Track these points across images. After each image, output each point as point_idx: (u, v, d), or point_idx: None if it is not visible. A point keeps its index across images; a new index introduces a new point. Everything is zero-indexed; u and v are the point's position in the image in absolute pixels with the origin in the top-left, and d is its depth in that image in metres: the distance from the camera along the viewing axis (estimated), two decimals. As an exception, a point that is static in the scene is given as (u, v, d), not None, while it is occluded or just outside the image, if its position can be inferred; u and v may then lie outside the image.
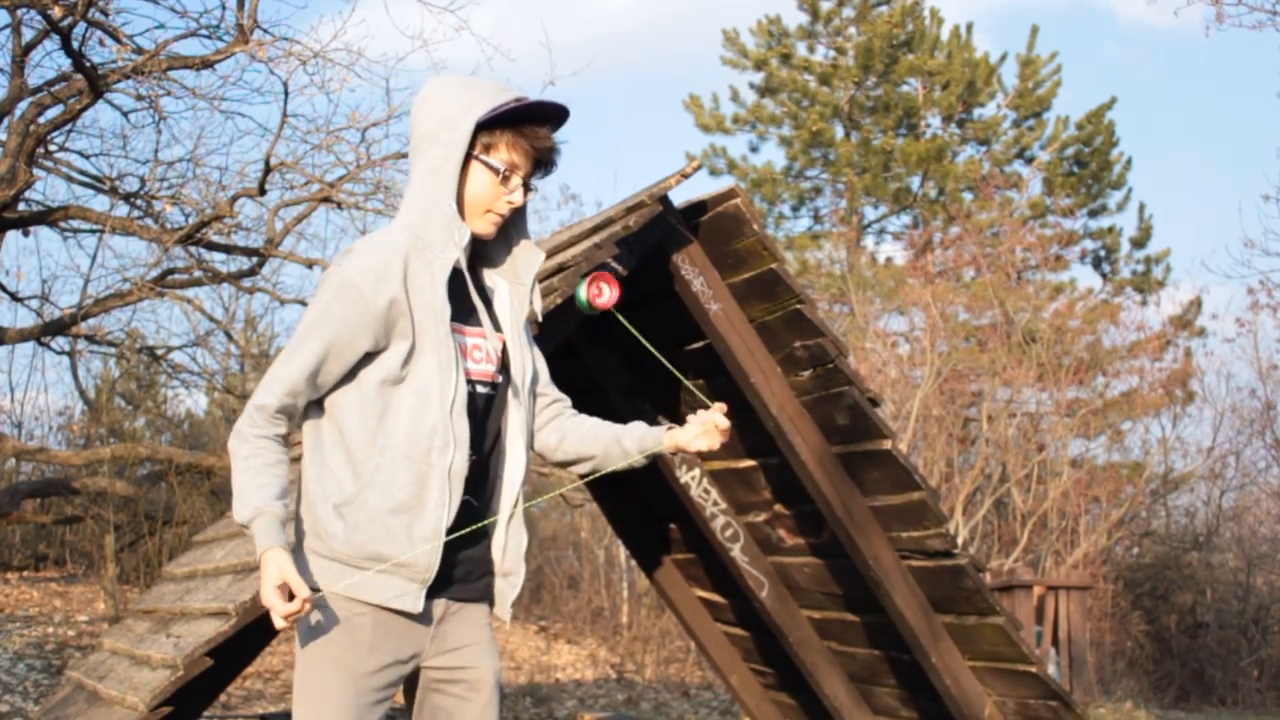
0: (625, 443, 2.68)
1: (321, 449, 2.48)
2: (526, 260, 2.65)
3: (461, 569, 2.52)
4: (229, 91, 12.16)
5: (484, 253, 2.66)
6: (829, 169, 19.55)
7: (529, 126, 2.55)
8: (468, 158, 2.51)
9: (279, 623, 2.30)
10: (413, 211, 2.51)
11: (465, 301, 2.53)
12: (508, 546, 2.59)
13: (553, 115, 2.59)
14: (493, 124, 2.51)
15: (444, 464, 2.44)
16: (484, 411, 2.54)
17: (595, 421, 2.76)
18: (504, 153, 2.53)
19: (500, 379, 2.58)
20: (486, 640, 2.57)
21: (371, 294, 2.40)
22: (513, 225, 2.65)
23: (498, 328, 2.60)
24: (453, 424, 2.45)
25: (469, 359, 2.52)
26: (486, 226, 2.56)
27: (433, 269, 2.47)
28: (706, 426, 2.63)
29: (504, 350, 2.59)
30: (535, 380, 2.68)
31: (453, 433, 2.44)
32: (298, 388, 2.42)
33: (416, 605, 2.43)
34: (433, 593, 2.48)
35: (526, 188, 2.58)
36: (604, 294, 2.51)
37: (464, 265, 2.50)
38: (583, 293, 2.47)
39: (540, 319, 2.80)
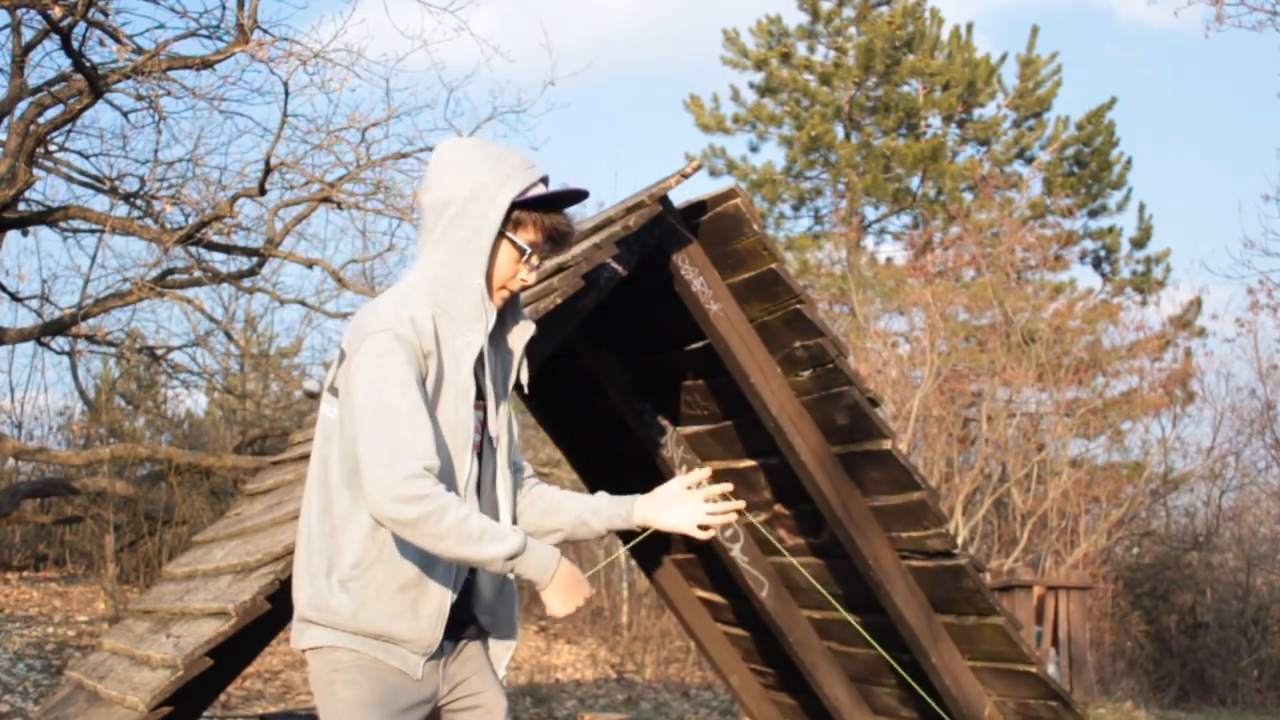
0: (593, 524, 2.70)
1: (333, 518, 2.46)
2: (520, 332, 2.64)
3: (488, 618, 2.63)
4: (229, 91, 12.15)
5: None
6: (829, 169, 19.55)
7: (555, 211, 2.57)
8: (498, 234, 2.51)
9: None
10: (438, 282, 2.48)
11: (478, 378, 2.55)
12: (497, 612, 2.63)
13: (575, 197, 2.61)
14: (523, 203, 2.52)
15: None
16: (480, 480, 2.58)
17: (558, 495, 2.75)
18: (530, 233, 2.54)
19: (483, 446, 2.59)
20: (488, 665, 2.63)
21: (418, 342, 2.41)
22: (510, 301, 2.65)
23: (481, 394, 2.59)
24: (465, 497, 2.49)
25: (473, 431, 2.53)
26: (497, 302, 2.57)
27: (456, 345, 2.46)
28: (686, 499, 2.67)
29: (485, 416, 2.59)
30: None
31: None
32: (433, 453, 2.34)
33: (416, 672, 2.46)
34: (453, 635, 2.54)
35: (539, 265, 2.60)
36: None
37: (486, 347, 2.51)
38: None
39: (526, 390, 2.83)
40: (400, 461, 2.29)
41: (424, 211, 2.57)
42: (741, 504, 2.67)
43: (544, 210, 2.54)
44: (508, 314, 2.63)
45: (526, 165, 2.54)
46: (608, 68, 38.03)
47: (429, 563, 2.44)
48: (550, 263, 4.21)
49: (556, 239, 2.59)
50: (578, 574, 2.47)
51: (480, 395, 2.54)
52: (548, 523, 2.70)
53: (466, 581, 2.57)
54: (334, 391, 2.48)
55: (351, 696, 2.42)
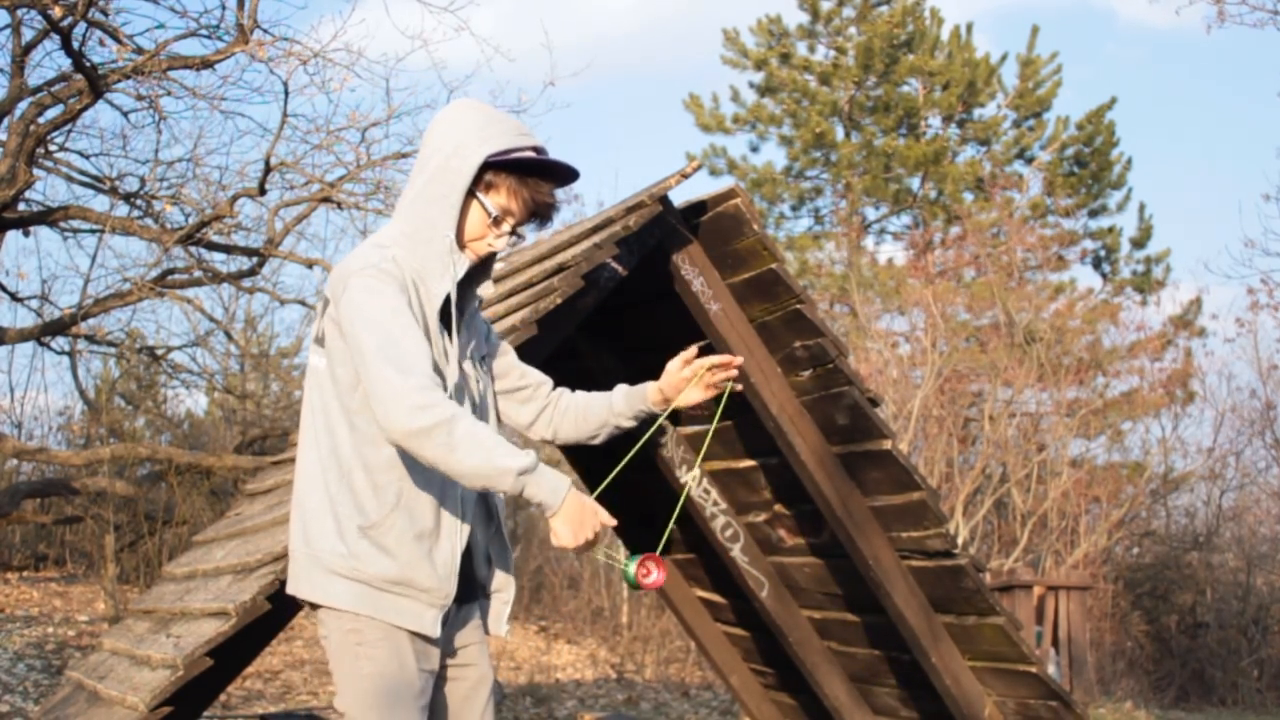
0: (621, 419, 2.78)
1: (341, 468, 2.47)
2: (482, 290, 2.65)
3: (487, 578, 2.66)
4: (229, 91, 12.17)
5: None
6: (829, 169, 19.55)
7: (535, 178, 2.53)
8: (470, 192, 2.51)
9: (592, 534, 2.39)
10: (416, 237, 2.51)
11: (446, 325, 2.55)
12: (493, 562, 2.66)
13: (562, 174, 2.58)
14: (500, 166, 2.50)
15: (456, 490, 2.50)
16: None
17: (581, 399, 2.80)
18: (502, 197, 2.52)
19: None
20: (483, 638, 2.66)
21: (402, 276, 2.45)
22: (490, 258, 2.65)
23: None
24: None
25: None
26: (465, 260, 2.56)
27: (423, 294, 2.48)
28: (696, 372, 2.68)
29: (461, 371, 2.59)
30: (493, 395, 2.70)
31: None
32: (430, 371, 2.36)
33: (435, 630, 2.48)
34: (457, 600, 2.56)
35: (514, 233, 2.57)
36: (652, 574, 2.52)
37: (454, 296, 2.51)
38: (631, 570, 2.50)
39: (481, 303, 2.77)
40: (409, 374, 2.31)
41: (417, 162, 2.60)
42: (739, 359, 2.69)
43: (521, 176, 2.51)
44: (477, 275, 2.64)
45: (517, 131, 2.52)
46: (608, 68, 38.05)
47: (440, 512, 2.48)
48: (550, 262, 4.21)
49: (536, 211, 2.56)
50: (590, 505, 2.41)
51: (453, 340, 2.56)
52: (586, 429, 2.78)
53: (472, 546, 2.60)
54: (320, 341, 2.50)
55: (376, 673, 2.44)
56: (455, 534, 2.50)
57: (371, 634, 2.45)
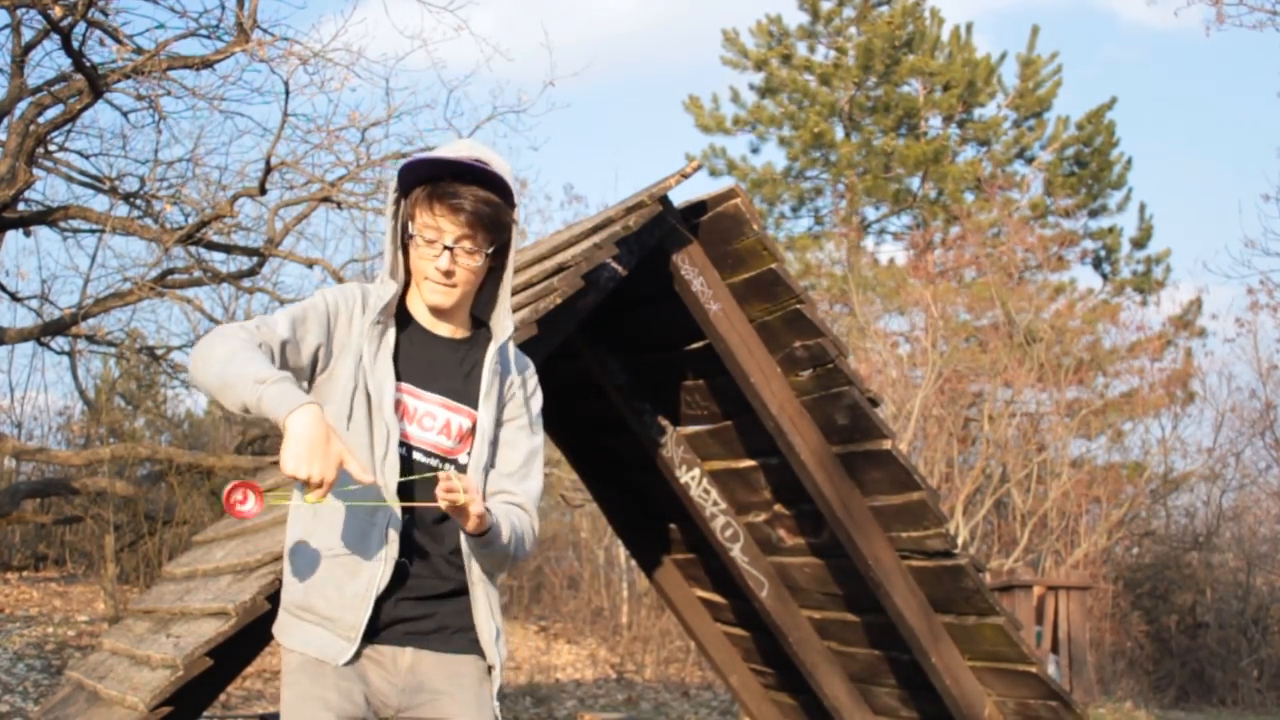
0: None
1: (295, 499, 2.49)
2: (496, 336, 2.55)
3: (428, 623, 2.45)
4: (229, 91, 12.17)
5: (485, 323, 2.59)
6: (829, 169, 19.55)
7: (441, 187, 2.39)
8: (403, 231, 2.46)
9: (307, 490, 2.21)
10: (382, 279, 2.52)
11: (426, 366, 2.48)
12: (478, 615, 2.50)
13: (479, 175, 2.41)
14: (406, 188, 2.44)
15: (381, 522, 2.39)
16: (422, 484, 2.42)
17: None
18: (421, 217, 2.42)
19: (458, 455, 2.50)
20: (464, 691, 2.46)
21: (341, 306, 2.45)
22: (487, 294, 2.55)
23: (476, 404, 2.52)
24: (386, 483, 2.39)
25: (416, 423, 2.45)
26: (432, 297, 2.47)
27: (383, 333, 2.46)
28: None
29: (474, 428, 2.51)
30: (491, 464, 2.55)
31: (387, 493, 2.38)
32: (276, 326, 2.34)
33: (340, 658, 2.38)
34: (396, 641, 2.43)
35: (471, 251, 2.43)
36: (248, 501, 2.37)
37: (379, 316, 2.45)
38: (310, 498, 2.34)
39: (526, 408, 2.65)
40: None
41: None
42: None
43: (430, 190, 2.40)
44: (493, 320, 2.56)
45: (444, 145, 2.49)
46: (608, 68, 38.06)
47: (363, 542, 2.38)
48: (550, 262, 4.21)
49: (470, 221, 2.40)
50: (329, 435, 2.19)
51: (426, 384, 2.48)
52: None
53: (463, 590, 2.48)
54: None
55: (291, 697, 2.40)
56: (379, 563, 2.37)
57: (294, 662, 2.41)
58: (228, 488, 2.31)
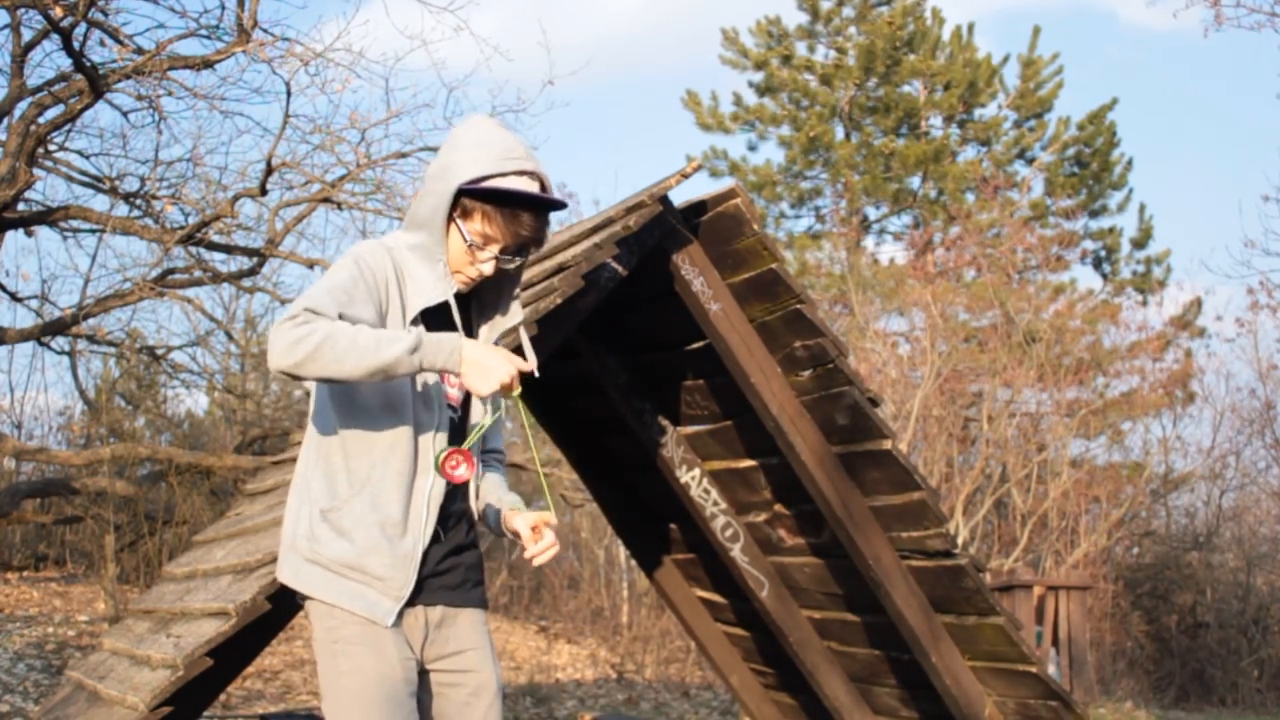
0: (491, 519, 2.73)
1: (321, 450, 2.52)
2: (499, 324, 2.66)
3: (455, 575, 2.57)
4: (229, 91, 12.18)
5: (479, 293, 2.68)
6: (829, 169, 19.55)
7: (512, 208, 2.50)
8: (451, 216, 2.51)
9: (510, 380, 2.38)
10: (417, 245, 2.53)
11: (449, 330, 2.55)
12: (462, 569, 2.63)
13: (545, 205, 2.54)
14: (474, 193, 2.48)
15: (425, 486, 2.49)
16: (454, 435, 2.59)
17: (494, 480, 2.78)
18: (478, 224, 2.50)
19: (461, 409, 2.63)
20: (486, 645, 2.61)
21: (380, 268, 2.47)
22: (506, 284, 2.64)
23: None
24: (435, 449, 2.51)
25: (446, 382, 2.57)
26: (457, 285, 2.58)
27: (407, 288, 2.51)
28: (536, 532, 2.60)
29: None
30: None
31: (432, 459, 2.50)
32: (329, 309, 2.37)
33: (388, 619, 2.46)
34: (427, 600, 2.52)
35: (508, 260, 2.55)
36: (460, 467, 2.54)
37: (453, 303, 2.53)
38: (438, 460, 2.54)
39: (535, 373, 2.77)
40: (282, 322, 2.34)
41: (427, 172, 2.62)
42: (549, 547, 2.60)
43: (497, 204, 2.48)
44: (498, 304, 2.65)
45: (505, 156, 2.49)
46: (608, 68, 38.07)
47: (409, 505, 2.47)
48: (550, 262, 4.21)
49: (520, 241, 2.53)
50: (493, 349, 2.42)
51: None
52: (482, 502, 2.75)
53: (474, 542, 2.62)
54: None
55: (353, 670, 2.43)
56: (420, 529, 2.48)
57: (348, 631, 2.44)
58: (444, 455, 2.50)
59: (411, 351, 2.33)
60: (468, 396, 2.63)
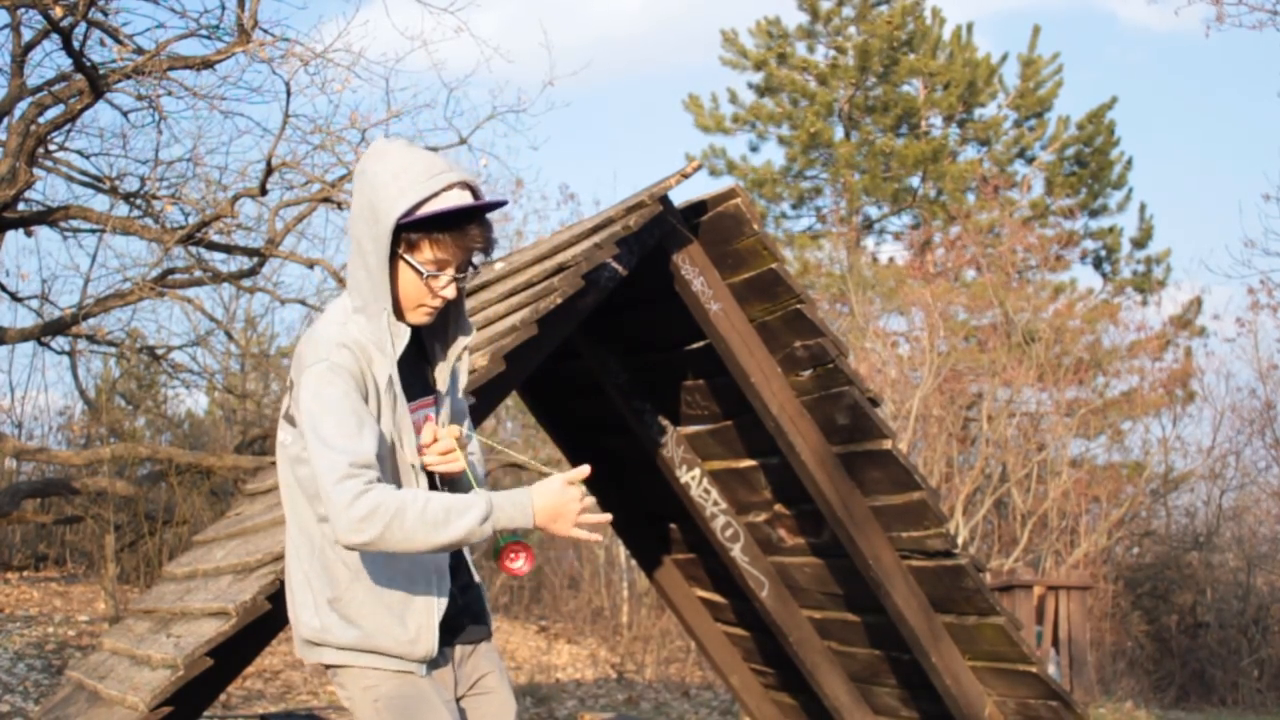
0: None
1: (312, 543, 2.48)
2: (458, 345, 2.59)
3: (466, 617, 2.60)
4: (229, 91, 12.16)
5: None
6: (829, 169, 19.55)
7: (459, 226, 2.41)
8: (395, 253, 2.42)
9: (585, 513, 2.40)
10: (362, 307, 2.45)
11: (407, 376, 2.51)
12: (473, 606, 2.67)
13: (484, 208, 2.45)
14: (412, 225, 2.39)
15: (430, 560, 2.48)
16: (442, 481, 2.57)
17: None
18: (428, 253, 2.41)
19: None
20: (500, 668, 2.67)
21: (356, 364, 2.40)
22: (453, 305, 2.56)
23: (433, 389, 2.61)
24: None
25: (418, 435, 2.53)
26: (422, 318, 2.50)
27: (374, 371, 2.43)
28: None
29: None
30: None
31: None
32: (369, 453, 2.33)
33: (420, 670, 2.49)
34: (445, 640, 2.54)
35: (465, 278, 2.48)
36: (519, 560, 2.50)
37: (394, 374, 2.45)
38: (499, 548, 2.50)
39: (463, 393, 2.73)
40: (342, 492, 2.28)
41: (350, 220, 2.50)
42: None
43: (439, 228, 2.39)
44: (450, 324, 2.58)
45: (430, 175, 2.39)
46: (608, 68, 38.07)
47: (409, 575, 2.45)
48: (550, 262, 4.21)
49: (472, 254, 2.45)
50: (555, 491, 2.39)
51: (412, 395, 2.52)
52: None
53: (475, 582, 2.63)
54: (289, 420, 2.49)
55: (389, 694, 2.46)
56: (430, 591, 2.47)
57: (386, 688, 2.46)
58: (504, 547, 2.46)
59: (483, 521, 2.33)
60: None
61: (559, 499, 2.38)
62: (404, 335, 2.45)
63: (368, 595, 2.44)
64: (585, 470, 2.43)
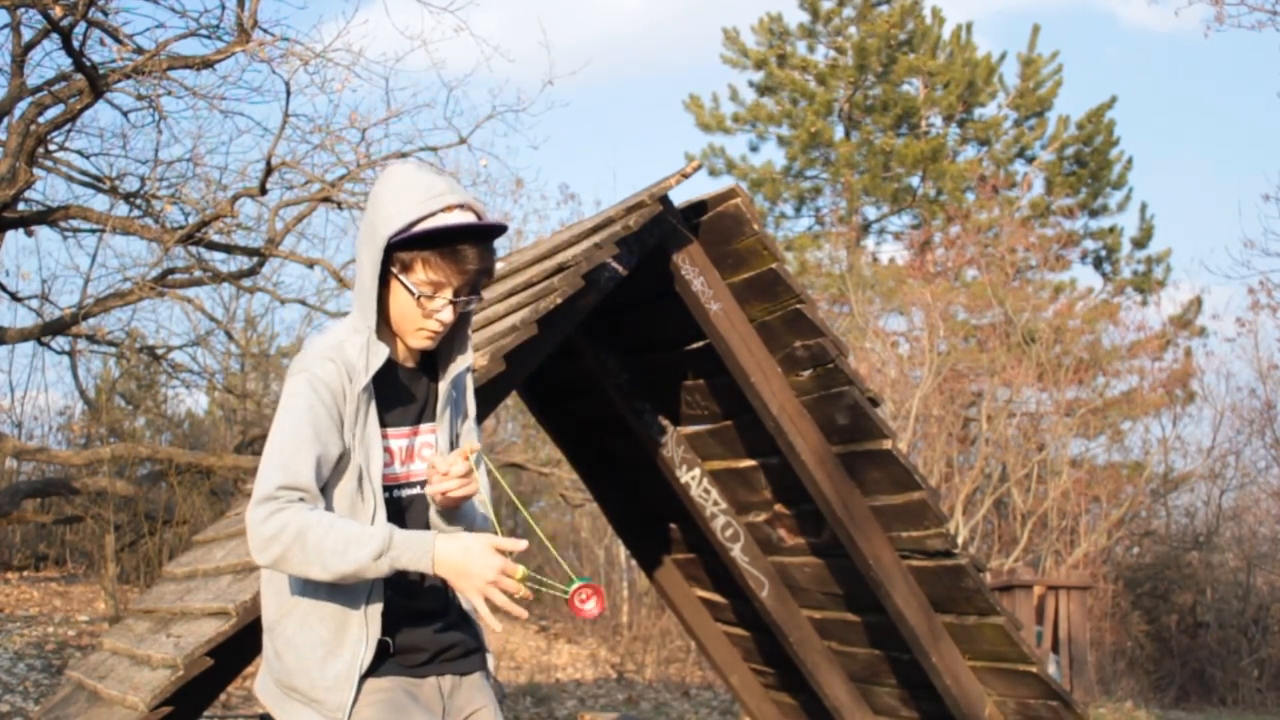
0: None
1: (272, 572, 2.43)
2: (457, 366, 2.51)
3: (458, 649, 2.52)
4: (229, 91, 12.16)
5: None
6: (829, 169, 19.56)
7: (451, 246, 2.35)
8: (392, 273, 2.37)
9: (508, 594, 2.25)
10: (356, 327, 2.40)
11: (397, 401, 2.45)
12: (463, 628, 2.57)
13: (483, 232, 2.39)
14: (405, 244, 2.34)
15: (362, 595, 2.38)
16: (413, 510, 2.47)
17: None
18: (420, 273, 2.35)
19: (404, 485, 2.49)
20: (493, 701, 2.58)
21: (339, 382, 2.35)
22: (455, 329, 2.49)
23: (432, 417, 2.53)
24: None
25: (399, 462, 2.46)
26: (421, 341, 2.43)
27: (358, 391, 2.38)
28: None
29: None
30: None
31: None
32: (303, 475, 2.27)
33: None
34: (438, 670, 2.47)
35: (466, 302, 2.40)
36: (589, 603, 2.40)
37: (369, 391, 2.39)
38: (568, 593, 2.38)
39: (472, 417, 2.65)
40: (259, 510, 2.24)
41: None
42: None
43: (434, 248, 2.33)
44: (454, 348, 2.51)
45: (428, 196, 2.34)
46: (608, 67, 38.07)
47: (344, 620, 2.37)
48: (550, 262, 4.21)
49: (469, 278, 2.38)
50: (468, 549, 2.25)
51: (392, 421, 2.45)
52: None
53: (466, 615, 2.54)
54: None
55: None
56: (360, 643, 2.36)
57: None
58: (576, 588, 2.34)
59: (377, 557, 2.22)
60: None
61: (469, 558, 2.24)
62: (381, 354, 2.38)
63: (295, 631, 2.37)
64: (522, 544, 2.27)
